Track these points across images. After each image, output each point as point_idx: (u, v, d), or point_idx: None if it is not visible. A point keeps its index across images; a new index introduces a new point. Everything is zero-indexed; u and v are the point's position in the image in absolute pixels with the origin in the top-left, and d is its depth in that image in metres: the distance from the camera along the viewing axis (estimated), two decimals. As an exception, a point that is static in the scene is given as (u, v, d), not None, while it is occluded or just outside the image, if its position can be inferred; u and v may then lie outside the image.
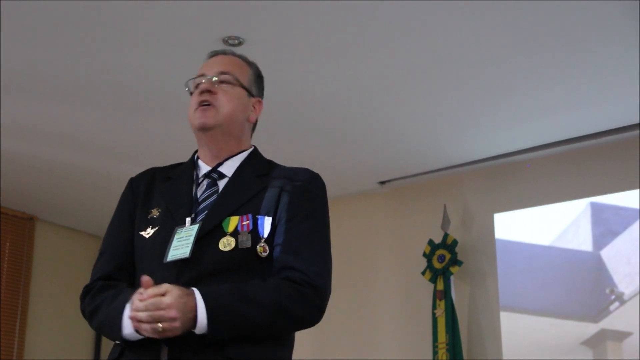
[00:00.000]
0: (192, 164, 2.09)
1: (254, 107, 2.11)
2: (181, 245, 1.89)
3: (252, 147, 2.12)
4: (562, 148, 4.84)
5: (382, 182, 5.46)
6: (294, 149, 4.82)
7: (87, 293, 1.99)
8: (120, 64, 3.92)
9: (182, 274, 1.87)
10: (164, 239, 1.93)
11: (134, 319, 1.79)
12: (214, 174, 2.04)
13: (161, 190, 2.05)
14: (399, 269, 5.37)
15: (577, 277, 4.80)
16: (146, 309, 1.76)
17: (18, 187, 5.55)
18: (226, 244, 1.89)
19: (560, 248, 4.93)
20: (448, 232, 5.09)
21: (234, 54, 2.14)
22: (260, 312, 1.81)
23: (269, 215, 1.93)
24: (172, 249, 1.90)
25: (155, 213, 2.00)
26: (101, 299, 1.94)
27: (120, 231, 2.03)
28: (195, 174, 2.06)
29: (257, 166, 2.05)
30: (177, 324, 1.76)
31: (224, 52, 2.14)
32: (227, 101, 2.03)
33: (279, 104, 4.29)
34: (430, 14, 3.49)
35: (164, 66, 3.93)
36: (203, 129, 2.02)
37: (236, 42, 3.65)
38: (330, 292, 1.93)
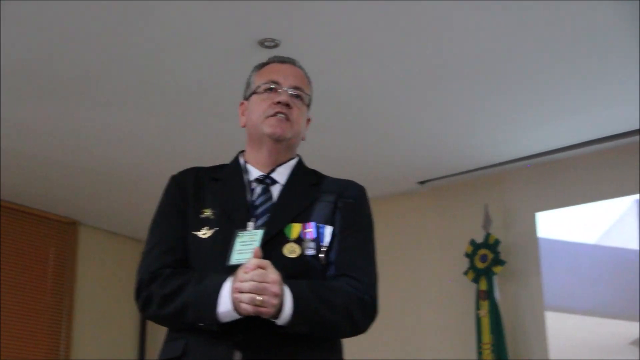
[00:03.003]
0: (239, 166, 2.11)
1: (307, 124, 2.19)
2: (245, 249, 1.90)
3: (298, 157, 2.17)
4: (607, 145, 4.77)
5: (422, 182, 5.44)
6: (333, 150, 4.82)
7: (155, 278, 1.95)
8: (160, 67, 3.95)
9: None
10: (224, 241, 1.94)
11: (237, 289, 1.80)
12: (267, 180, 2.07)
13: (211, 191, 2.05)
14: (441, 270, 5.35)
15: (623, 276, 4.72)
16: (251, 279, 1.78)
17: (61, 192, 5.59)
18: (291, 250, 1.92)
19: (606, 246, 4.90)
20: (490, 231, 5.05)
21: (301, 67, 2.18)
22: (333, 313, 1.86)
23: (328, 225, 1.99)
24: (235, 252, 1.91)
25: (209, 213, 2.00)
26: (182, 280, 1.91)
27: (173, 226, 2.02)
28: (246, 178, 2.08)
29: (307, 175, 2.11)
30: (276, 301, 1.79)
31: (292, 61, 2.17)
32: (298, 118, 2.09)
33: (317, 105, 4.15)
34: (468, 11, 3.46)
35: (201, 68, 3.95)
36: (276, 139, 2.06)
37: (272, 44, 3.67)
38: None
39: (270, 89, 2.08)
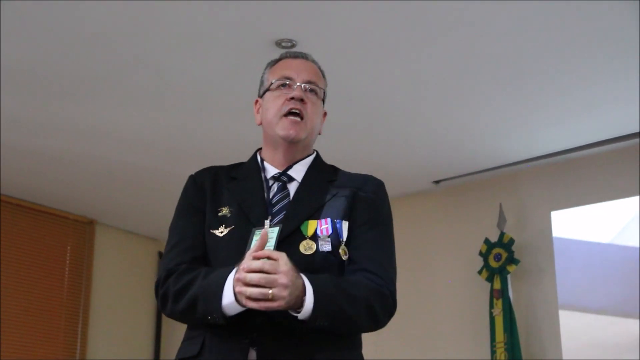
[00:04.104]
0: (257, 165, 2.10)
1: (322, 118, 2.16)
2: None
3: (315, 152, 2.15)
4: (621, 144, 4.72)
5: (437, 182, 5.41)
6: (348, 150, 4.77)
7: (170, 275, 1.93)
8: (178, 67, 3.90)
9: None
10: (240, 239, 1.92)
11: (241, 280, 1.74)
12: (284, 177, 2.06)
13: (229, 190, 2.04)
14: (455, 269, 5.30)
15: (638, 275, 4.63)
16: (261, 270, 1.73)
17: (78, 191, 5.56)
18: (307, 247, 1.90)
19: (620, 245, 4.86)
20: (504, 230, 5.01)
21: (314, 61, 2.15)
22: (354, 306, 1.83)
23: (345, 220, 1.97)
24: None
25: (226, 212, 1.99)
26: (192, 275, 1.89)
27: (193, 224, 2.01)
28: (263, 176, 2.07)
29: (324, 171, 2.09)
30: (285, 293, 1.73)
31: (304, 56, 2.15)
32: (314, 115, 2.06)
33: (333, 105, 4.06)
34: (481, 12, 3.45)
35: (218, 68, 3.92)
36: (291, 141, 2.04)
37: (289, 44, 3.64)
38: None
39: (284, 85, 2.06)
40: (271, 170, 2.07)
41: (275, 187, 2.04)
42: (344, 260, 1.93)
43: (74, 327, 5.94)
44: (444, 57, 3.81)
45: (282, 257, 1.77)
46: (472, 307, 5.14)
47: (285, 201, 2.00)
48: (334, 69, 3.68)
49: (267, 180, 2.05)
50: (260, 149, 2.15)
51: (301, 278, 1.78)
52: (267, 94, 2.09)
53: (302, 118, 2.03)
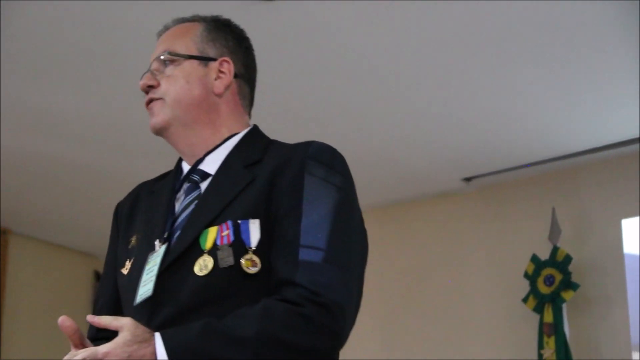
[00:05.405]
0: (177, 168, 2.02)
1: (219, 71, 1.95)
2: (148, 279, 1.78)
3: (248, 129, 1.98)
4: None
5: (468, 179, 5.05)
6: (353, 139, 4.48)
7: None
8: (126, 29, 3.61)
9: (154, 315, 1.73)
10: (138, 274, 1.84)
11: None
12: (195, 175, 1.92)
13: (142, 211, 1.99)
14: (492, 295, 4.95)
15: None
16: None
17: None
18: (202, 265, 1.76)
19: None
20: (558, 244, 4.61)
21: (179, 21, 2.03)
22: (243, 352, 1.65)
23: (255, 217, 1.78)
24: (141, 285, 1.79)
25: (134, 241, 1.93)
26: None
27: (107, 277, 1.99)
28: (177, 180, 1.98)
29: (248, 154, 1.90)
30: None
31: (166, 28, 2.04)
32: (171, 85, 1.94)
33: (329, 78, 3.97)
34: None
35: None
36: (158, 133, 1.96)
37: None
38: (353, 305, 1.73)
39: None
40: (186, 170, 2.00)
41: (184, 190, 1.95)
42: (253, 274, 1.73)
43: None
44: (479, 13, 3.48)
45: (123, 327, 1.61)
46: (515, 347, 4.77)
47: (192, 207, 1.89)
48: (328, 29, 3.67)
49: (181, 185, 1.97)
50: None
51: (149, 345, 1.60)
52: None
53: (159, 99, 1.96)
